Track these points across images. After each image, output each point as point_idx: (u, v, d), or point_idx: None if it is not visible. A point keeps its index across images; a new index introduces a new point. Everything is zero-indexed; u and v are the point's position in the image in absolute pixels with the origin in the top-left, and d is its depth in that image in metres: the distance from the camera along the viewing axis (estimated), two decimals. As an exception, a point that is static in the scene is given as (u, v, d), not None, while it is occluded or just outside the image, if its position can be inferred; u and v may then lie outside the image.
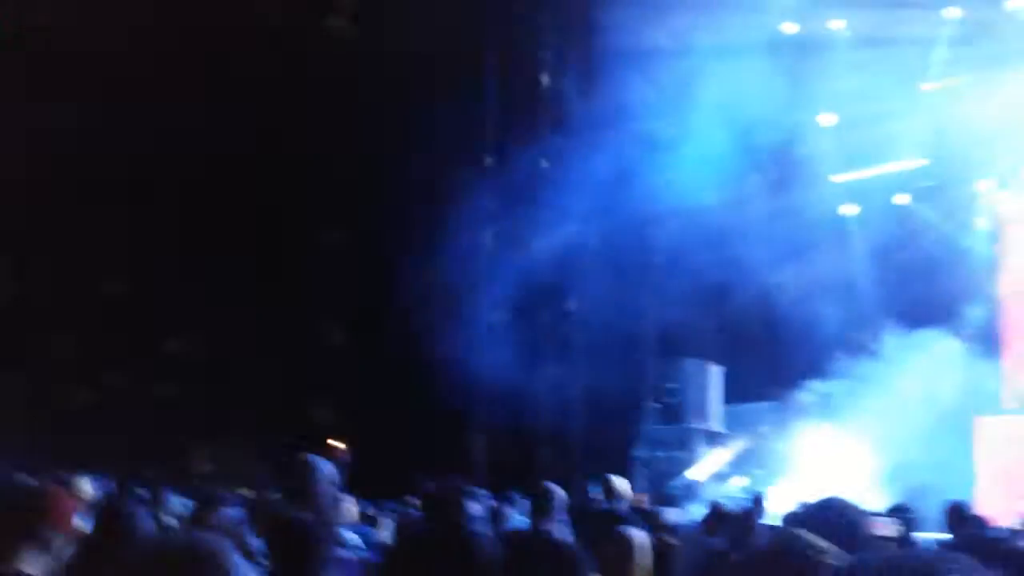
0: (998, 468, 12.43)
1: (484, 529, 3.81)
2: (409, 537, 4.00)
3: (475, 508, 3.72)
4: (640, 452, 13.26)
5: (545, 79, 13.48)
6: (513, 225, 12.64)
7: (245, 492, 7.59)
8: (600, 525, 4.86)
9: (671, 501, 10.99)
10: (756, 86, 12.21)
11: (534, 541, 4.20)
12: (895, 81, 13.12)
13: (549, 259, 12.44)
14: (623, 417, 13.20)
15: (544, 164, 13.13)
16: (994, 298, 13.57)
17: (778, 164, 13.81)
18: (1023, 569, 4.80)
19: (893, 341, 13.15)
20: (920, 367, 12.53)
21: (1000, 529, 6.33)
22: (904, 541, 4.78)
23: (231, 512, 4.18)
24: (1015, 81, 12.58)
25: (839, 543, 2.51)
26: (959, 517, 6.04)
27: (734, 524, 5.85)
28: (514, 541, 4.24)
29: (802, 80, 13.12)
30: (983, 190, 14.18)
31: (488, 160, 13.27)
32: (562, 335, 13.33)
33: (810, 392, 13.55)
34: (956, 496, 7.05)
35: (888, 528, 5.40)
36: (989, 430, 12.98)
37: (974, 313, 13.13)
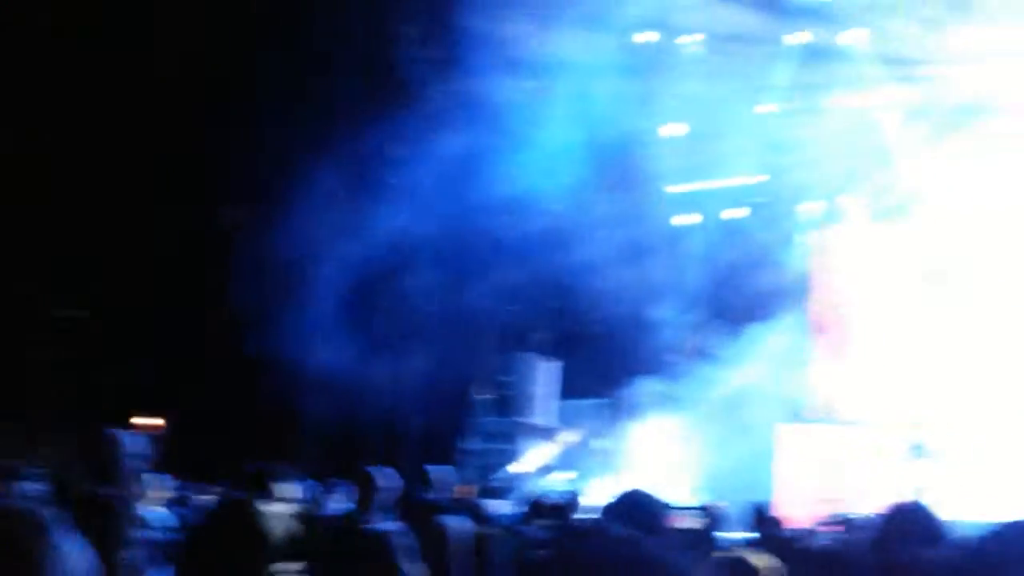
0: (796, 473, 13.37)
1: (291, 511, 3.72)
2: (207, 518, 3.87)
3: (289, 490, 3.63)
4: (471, 444, 13.36)
5: (399, 58, 13.07)
6: (354, 208, 12.25)
7: (48, 467, 7.14)
8: (420, 515, 4.85)
9: (497, 493, 11.11)
10: (607, 90, 12.54)
11: (347, 527, 4.15)
12: (738, 99, 13.75)
13: (388, 245, 12.22)
14: (456, 408, 13.26)
15: (390, 147, 12.79)
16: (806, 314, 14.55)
17: (623, 169, 14.18)
18: (812, 565, 5.14)
19: (720, 346, 13.88)
20: (739, 373, 13.31)
21: (795, 529, 6.76)
22: (705, 536, 5.06)
23: (31, 486, 3.93)
24: (841, 112, 13.53)
25: (640, 532, 2.61)
26: (759, 517, 6.44)
27: (552, 516, 5.98)
28: (326, 526, 4.17)
29: (652, 90, 13.57)
30: (807, 211, 15.15)
31: (331, 138, 12.68)
32: (398, 323, 13.19)
33: (641, 391, 14.08)
34: (762, 497, 7.51)
35: (689, 522, 5.70)
36: (790, 437, 13.94)
37: (789, 325, 14.01)
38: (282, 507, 3.40)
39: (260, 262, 11.59)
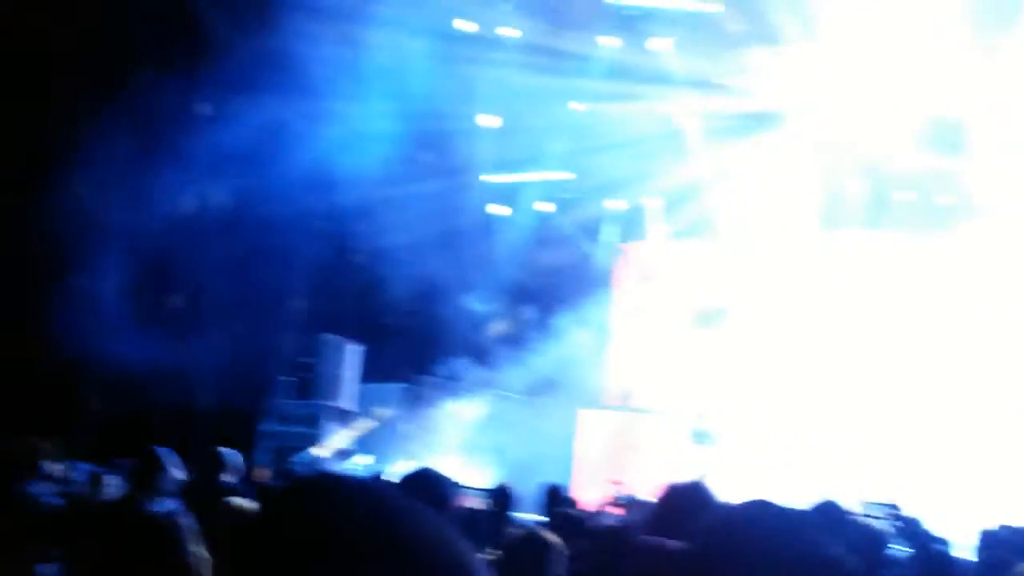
0: (592, 457, 13.98)
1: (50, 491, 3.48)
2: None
3: (58, 470, 3.38)
4: (268, 426, 12.98)
5: (202, 8, 11.99)
6: (143, 175, 11.27)
7: None
8: (210, 498, 4.67)
9: (293, 476, 10.86)
10: (425, 72, 12.44)
11: (124, 510, 3.91)
12: (551, 96, 14.07)
13: (181, 216, 11.46)
14: (254, 391, 12.78)
15: (187, 108, 11.91)
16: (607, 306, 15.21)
17: (437, 154, 14.19)
18: (603, 543, 5.35)
19: (525, 333, 14.25)
20: (543, 360, 13.74)
21: (584, 511, 7.02)
22: (497, 516, 5.16)
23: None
24: (647, 115, 14.16)
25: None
26: (552, 498, 6.65)
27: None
28: (103, 509, 3.93)
29: (469, 77, 13.63)
30: (612, 208, 15.81)
31: (117, 96, 11.22)
32: (192, 299, 12.49)
33: (446, 375, 14.19)
34: (561, 480, 7.77)
35: (478, 502, 5.81)
36: (588, 422, 14.55)
37: (591, 316, 14.57)
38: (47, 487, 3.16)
39: (41, 241, 10.51)
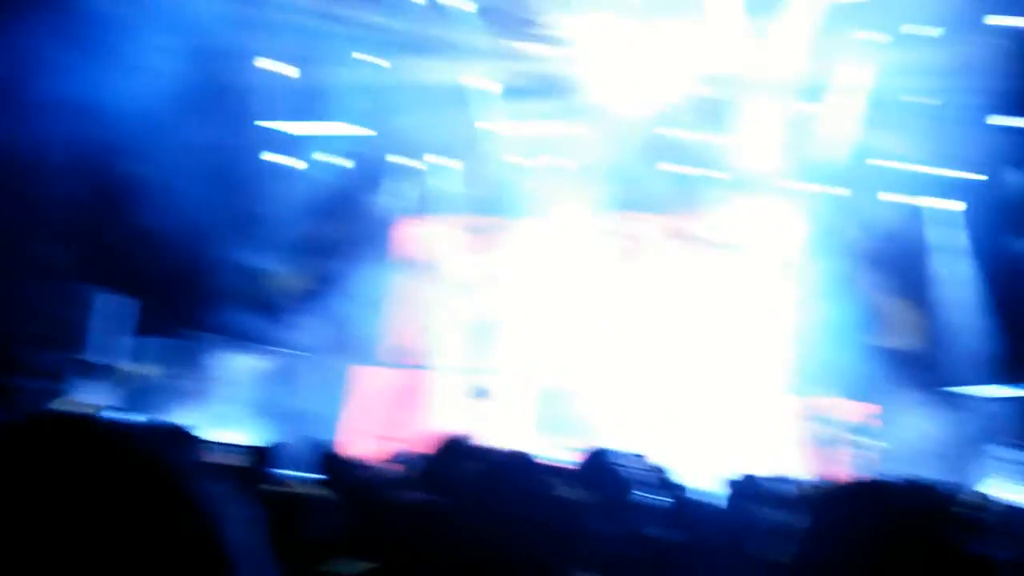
0: (366, 412, 13.96)
1: None
2: None
3: None
4: (18, 380, 11.84)
5: None
6: None
7: None
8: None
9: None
10: (215, 12, 11.64)
11: None
12: (347, 49, 13.64)
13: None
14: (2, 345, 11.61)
15: None
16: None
17: (223, 100, 13.41)
18: (363, 497, 5.28)
19: (302, 286, 13.88)
20: (322, 314, 13.48)
21: (358, 465, 6.92)
22: (254, 473, 4.96)
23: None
24: (449, 76, 14.08)
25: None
26: (319, 454, 6.50)
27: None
28: None
29: (261, 21, 12.92)
30: (403, 167, 15.67)
31: None
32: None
33: (219, 329, 13.57)
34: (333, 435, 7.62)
35: (233, 459, 5.57)
36: (363, 378, 14.50)
37: (372, 272, 14.44)
38: None
39: None
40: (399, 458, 7.56)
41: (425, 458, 4.41)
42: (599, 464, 4.61)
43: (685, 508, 5.63)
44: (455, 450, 4.36)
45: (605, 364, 14.45)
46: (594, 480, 4.69)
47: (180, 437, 3.08)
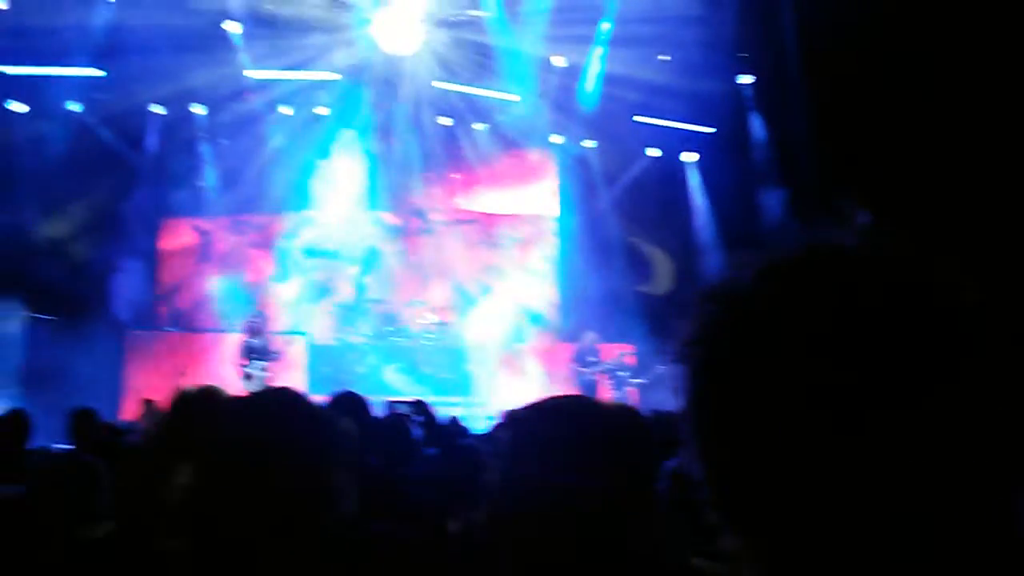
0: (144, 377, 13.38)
1: None
2: None
3: None
4: None
5: None
6: None
7: None
8: None
9: None
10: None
11: None
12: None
13: None
14: None
15: None
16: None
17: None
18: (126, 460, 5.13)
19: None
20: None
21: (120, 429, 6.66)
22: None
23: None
24: (194, 14, 13.32)
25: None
26: (82, 421, 6.22)
27: None
28: None
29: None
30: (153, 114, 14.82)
31: None
32: None
33: None
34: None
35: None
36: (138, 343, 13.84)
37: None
38: None
39: None
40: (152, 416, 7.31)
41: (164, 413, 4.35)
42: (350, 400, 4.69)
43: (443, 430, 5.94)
44: (196, 403, 4.33)
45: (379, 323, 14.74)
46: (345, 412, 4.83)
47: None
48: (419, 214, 16.38)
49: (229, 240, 15.15)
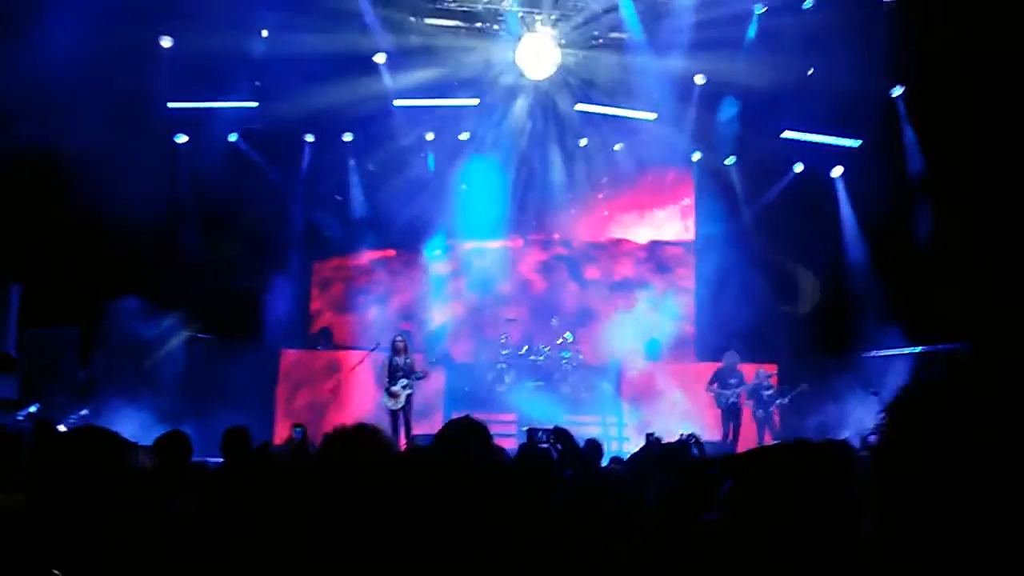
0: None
1: None
2: None
3: None
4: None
5: None
6: None
7: None
8: None
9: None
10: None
11: None
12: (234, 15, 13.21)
13: None
14: None
15: None
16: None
17: (118, 84, 12.87)
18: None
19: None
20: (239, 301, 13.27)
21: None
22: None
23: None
24: (343, 48, 13.89)
25: None
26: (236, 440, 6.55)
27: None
28: None
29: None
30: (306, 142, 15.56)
31: None
32: None
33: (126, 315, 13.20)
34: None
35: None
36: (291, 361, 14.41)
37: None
38: None
39: None
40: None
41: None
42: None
43: (594, 475, 5.91)
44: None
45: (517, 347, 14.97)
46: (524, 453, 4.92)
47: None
48: (562, 243, 16.55)
49: (378, 264, 15.58)
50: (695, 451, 7.66)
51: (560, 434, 5.98)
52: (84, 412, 11.02)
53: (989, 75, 11.77)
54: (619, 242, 16.72)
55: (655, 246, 16.70)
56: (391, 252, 15.87)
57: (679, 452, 6.64)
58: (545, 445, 5.51)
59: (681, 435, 8.62)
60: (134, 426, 10.69)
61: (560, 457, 5.73)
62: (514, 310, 15.85)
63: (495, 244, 16.09)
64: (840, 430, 11.96)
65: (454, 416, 11.76)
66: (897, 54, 13.69)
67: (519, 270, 16.42)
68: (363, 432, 3.01)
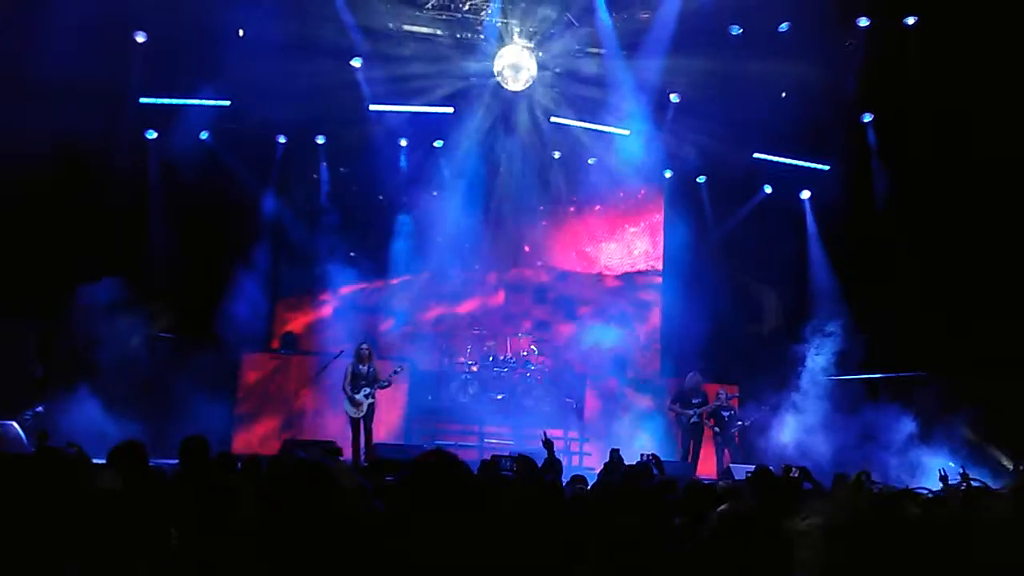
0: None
1: None
2: None
3: None
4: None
5: None
6: None
7: None
8: None
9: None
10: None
11: None
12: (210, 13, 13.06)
13: None
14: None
15: None
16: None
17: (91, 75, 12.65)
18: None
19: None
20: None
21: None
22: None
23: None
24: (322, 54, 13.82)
25: None
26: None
27: None
28: None
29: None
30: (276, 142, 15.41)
31: None
32: None
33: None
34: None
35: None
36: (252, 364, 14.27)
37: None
38: None
39: None
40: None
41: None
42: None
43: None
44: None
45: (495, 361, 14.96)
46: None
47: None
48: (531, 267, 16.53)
49: (343, 269, 15.35)
50: (655, 472, 7.71)
51: (524, 462, 5.99)
52: (40, 409, 10.81)
53: (956, 103, 12.00)
54: (590, 267, 16.79)
55: (626, 275, 16.82)
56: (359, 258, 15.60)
57: (639, 476, 6.68)
58: (508, 473, 5.49)
59: (641, 455, 8.67)
60: (87, 423, 10.56)
61: (518, 479, 5.74)
62: (479, 322, 15.80)
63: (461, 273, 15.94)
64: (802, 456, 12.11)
65: (414, 427, 11.60)
66: (868, 81, 13.94)
67: (487, 281, 16.39)
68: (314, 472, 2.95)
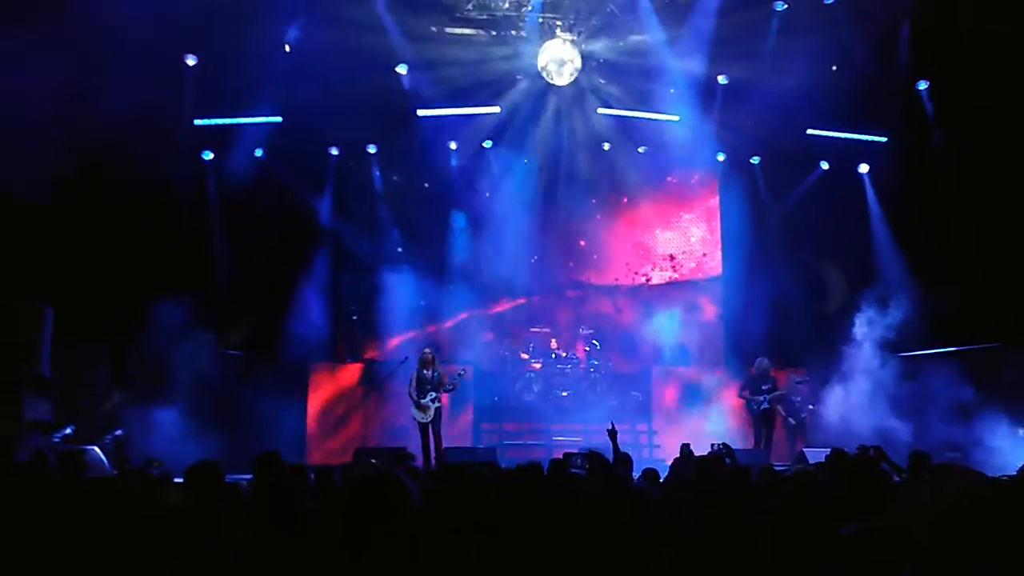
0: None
1: None
2: None
3: None
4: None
5: None
6: None
7: None
8: None
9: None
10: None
11: None
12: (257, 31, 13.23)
13: None
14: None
15: None
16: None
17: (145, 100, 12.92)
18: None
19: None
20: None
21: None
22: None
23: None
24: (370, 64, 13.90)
25: None
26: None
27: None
28: None
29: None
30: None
31: None
32: None
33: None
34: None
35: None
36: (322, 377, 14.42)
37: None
38: None
39: None
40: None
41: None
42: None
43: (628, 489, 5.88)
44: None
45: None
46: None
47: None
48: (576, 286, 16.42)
49: (407, 276, 15.43)
50: (727, 461, 7.59)
51: (595, 459, 5.94)
52: (119, 432, 11.10)
53: (1013, 67, 11.59)
54: (647, 257, 16.62)
55: (685, 262, 16.62)
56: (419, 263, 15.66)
57: (713, 465, 6.58)
58: (579, 470, 5.45)
59: (712, 445, 8.56)
60: (165, 442, 10.79)
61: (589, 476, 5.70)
62: (539, 320, 15.78)
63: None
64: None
65: (482, 428, 11.58)
66: (921, 48, 13.55)
67: (544, 277, 16.34)
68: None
